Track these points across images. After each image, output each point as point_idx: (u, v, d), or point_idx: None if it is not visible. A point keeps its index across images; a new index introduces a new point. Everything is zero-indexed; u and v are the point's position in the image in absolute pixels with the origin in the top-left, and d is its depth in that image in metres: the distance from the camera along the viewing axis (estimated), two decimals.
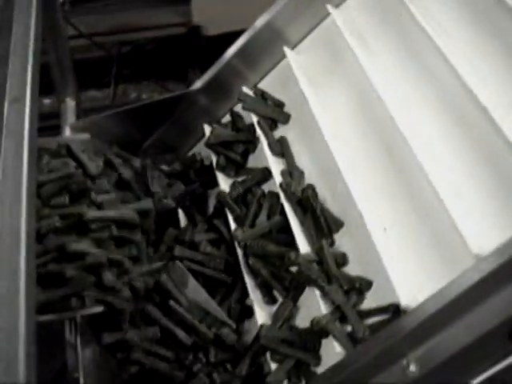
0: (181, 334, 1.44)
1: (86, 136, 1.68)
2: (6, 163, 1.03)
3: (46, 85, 1.92)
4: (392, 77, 1.45)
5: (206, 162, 1.77)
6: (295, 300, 1.36)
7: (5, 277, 0.87)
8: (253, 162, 1.67)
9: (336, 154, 1.41)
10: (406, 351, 1.10)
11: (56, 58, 1.83)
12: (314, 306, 1.29)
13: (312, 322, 1.25)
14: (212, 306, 1.47)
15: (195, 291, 1.49)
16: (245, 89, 1.72)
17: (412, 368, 1.10)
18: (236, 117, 1.73)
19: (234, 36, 1.77)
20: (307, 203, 1.42)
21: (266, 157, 1.57)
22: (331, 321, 1.23)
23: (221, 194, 1.60)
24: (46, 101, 2.74)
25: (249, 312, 1.48)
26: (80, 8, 2.74)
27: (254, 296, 1.43)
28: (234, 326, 1.46)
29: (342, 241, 1.37)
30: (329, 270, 1.30)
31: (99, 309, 1.34)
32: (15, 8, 1.31)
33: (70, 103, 1.89)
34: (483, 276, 1.04)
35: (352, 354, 1.19)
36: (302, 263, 1.31)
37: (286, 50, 1.69)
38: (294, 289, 1.37)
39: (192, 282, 1.49)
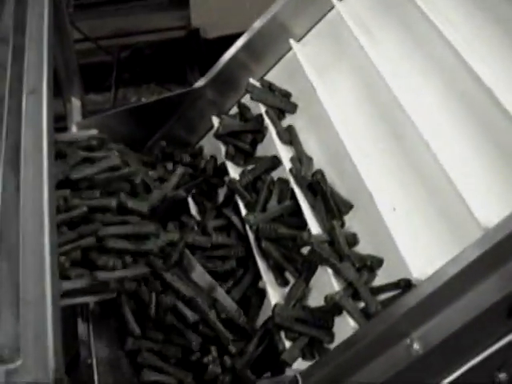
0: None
1: (93, 132, 1.70)
2: (27, 151, 1.06)
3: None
4: (397, 64, 1.47)
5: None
6: (307, 281, 1.38)
7: (31, 253, 0.91)
8: (261, 151, 1.70)
9: (344, 139, 1.43)
10: (409, 330, 1.13)
11: (62, 60, 1.86)
12: (325, 286, 1.31)
13: (325, 298, 1.28)
14: (219, 292, 1.49)
15: (202, 278, 1.51)
16: (252, 80, 1.75)
17: (416, 346, 1.13)
18: (243, 108, 1.77)
19: (232, 39, 1.80)
20: (317, 186, 1.44)
21: (274, 145, 1.60)
22: (344, 297, 1.26)
23: (231, 181, 1.62)
24: None
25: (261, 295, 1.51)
26: (81, 12, 2.77)
27: (267, 278, 1.45)
28: (241, 311, 1.48)
29: (352, 222, 1.40)
30: (340, 249, 1.33)
31: (112, 295, 1.35)
32: (28, 8, 1.35)
33: (76, 103, 1.91)
34: (489, 247, 1.07)
35: (357, 334, 1.20)
36: (314, 242, 1.34)
37: (292, 42, 1.72)
38: (306, 270, 1.39)
39: (199, 269, 1.51)
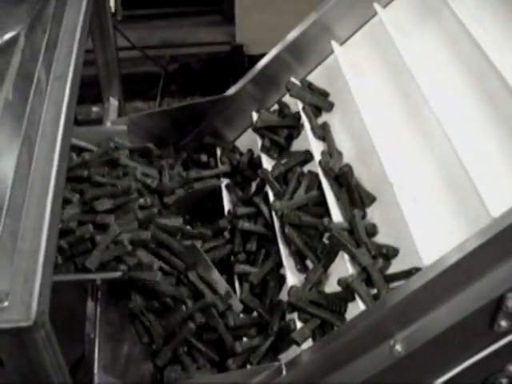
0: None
1: (123, 127, 1.78)
2: (45, 127, 1.13)
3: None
4: (432, 69, 1.48)
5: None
6: (326, 267, 1.40)
7: (33, 213, 0.98)
8: (296, 146, 1.72)
9: (373, 137, 1.46)
10: (393, 331, 1.17)
11: (103, 61, 1.94)
12: (342, 273, 1.32)
13: (339, 281, 1.29)
14: (222, 284, 1.53)
15: (206, 269, 1.54)
16: (292, 79, 1.78)
17: (398, 348, 1.16)
18: (283, 105, 1.80)
19: None
20: (343, 178, 1.47)
21: (308, 140, 1.62)
22: (357, 280, 1.27)
23: (263, 171, 1.66)
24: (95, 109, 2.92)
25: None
26: (131, 22, 2.90)
27: (287, 264, 1.47)
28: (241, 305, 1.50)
29: (374, 214, 1.41)
30: (359, 236, 1.35)
31: (118, 274, 1.39)
32: (68, 2, 1.44)
33: (114, 102, 2.01)
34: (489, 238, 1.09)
35: (341, 331, 1.23)
36: (334, 228, 1.36)
37: (334, 44, 1.75)
38: (326, 257, 1.41)
39: (203, 261, 1.55)
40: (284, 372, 1.24)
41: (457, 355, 1.21)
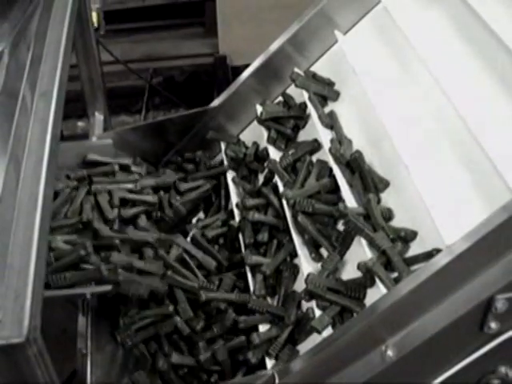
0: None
1: (109, 142, 1.80)
2: (32, 144, 1.14)
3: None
4: (442, 51, 1.48)
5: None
6: (341, 255, 1.38)
7: (23, 230, 0.99)
8: (303, 137, 1.70)
9: (385, 122, 1.45)
10: (384, 337, 1.17)
11: (88, 76, 1.95)
12: (359, 260, 1.30)
13: (358, 265, 1.27)
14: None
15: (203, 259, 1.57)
16: (296, 69, 1.76)
17: (389, 353, 1.16)
18: (287, 97, 1.78)
19: None
20: (355, 164, 1.45)
21: (315, 130, 1.61)
22: (377, 264, 1.25)
23: (271, 161, 1.64)
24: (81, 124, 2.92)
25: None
26: (114, 36, 2.91)
27: (302, 253, 1.45)
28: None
29: (388, 199, 1.40)
30: (375, 221, 1.33)
31: (108, 287, 1.39)
32: (51, 19, 1.46)
33: (99, 117, 2.01)
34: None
35: (332, 337, 1.22)
36: (350, 213, 1.34)
37: (338, 33, 1.75)
38: (341, 244, 1.38)
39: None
40: (277, 381, 1.23)
41: (448, 358, 1.21)
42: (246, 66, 1.93)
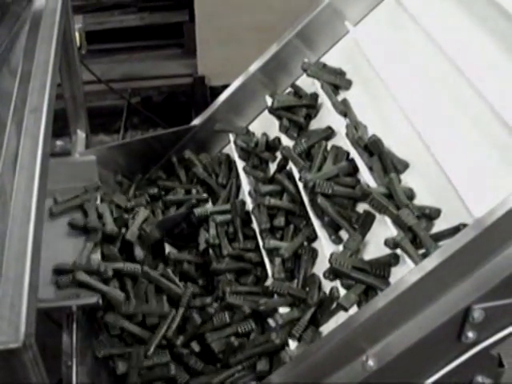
0: None
1: (92, 158, 1.81)
2: (23, 160, 1.15)
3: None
4: (455, 36, 1.49)
5: None
6: (363, 236, 1.37)
7: (16, 241, 1.00)
8: (315, 126, 1.70)
9: (402, 104, 1.46)
10: (365, 347, 1.19)
11: (71, 94, 1.97)
12: (380, 240, 1.30)
13: (385, 241, 1.27)
14: None
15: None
16: (307, 60, 1.78)
17: (370, 363, 1.18)
18: (297, 87, 1.79)
19: None
20: (374, 146, 1.45)
21: (328, 118, 1.62)
22: (405, 239, 1.25)
23: (286, 148, 1.63)
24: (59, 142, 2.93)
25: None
26: (94, 56, 2.94)
27: (322, 235, 1.45)
28: None
29: (408, 180, 1.39)
30: (398, 199, 1.32)
31: (93, 299, 1.41)
32: (39, 37, 1.49)
33: (81, 134, 2.03)
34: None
35: (314, 347, 1.23)
36: (374, 191, 1.33)
37: (348, 24, 1.76)
38: (361, 226, 1.38)
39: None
40: None
41: (427, 368, 1.24)
42: (225, 86, 1.97)
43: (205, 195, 1.80)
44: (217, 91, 2.69)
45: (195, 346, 1.48)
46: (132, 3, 3.10)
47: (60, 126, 2.05)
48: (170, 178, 1.93)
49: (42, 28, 1.53)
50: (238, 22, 2.84)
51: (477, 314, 1.15)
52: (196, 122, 1.97)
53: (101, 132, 3.09)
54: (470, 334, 1.18)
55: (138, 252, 1.62)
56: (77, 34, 2.05)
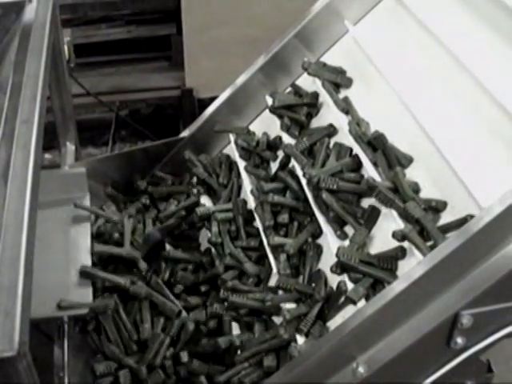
0: None
1: (82, 170, 1.82)
2: (15, 170, 1.17)
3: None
4: (456, 30, 1.50)
5: None
6: (369, 230, 1.37)
7: (9, 249, 1.02)
8: (316, 124, 1.70)
9: (405, 100, 1.45)
10: (355, 354, 1.20)
11: (60, 107, 1.99)
12: (386, 235, 1.31)
13: (393, 234, 1.27)
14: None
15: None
16: (307, 59, 1.77)
17: (360, 369, 1.19)
18: (297, 87, 1.79)
19: None
20: (378, 142, 1.45)
21: (329, 116, 1.63)
22: (413, 231, 1.24)
23: (288, 146, 1.63)
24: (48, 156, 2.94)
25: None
26: (83, 69, 2.95)
27: (327, 230, 1.44)
28: None
29: (413, 174, 1.39)
30: (404, 193, 1.32)
31: (84, 310, 1.43)
32: (29, 50, 1.49)
33: (71, 147, 2.04)
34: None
35: (305, 355, 1.24)
36: (379, 185, 1.34)
37: (348, 24, 1.77)
38: (367, 220, 1.38)
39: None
40: None
41: (417, 374, 1.24)
42: (212, 98, 1.98)
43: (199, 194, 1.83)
44: (205, 103, 2.70)
45: (183, 356, 1.49)
46: (119, 16, 3.11)
47: (48, 139, 2.06)
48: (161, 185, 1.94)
49: (31, 41, 1.54)
50: (225, 34, 2.86)
51: (465, 319, 1.16)
52: (184, 133, 1.98)
53: (89, 145, 3.10)
54: (459, 340, 1.19)
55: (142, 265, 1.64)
56: (65, 48, 2.04)
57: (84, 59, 3.01)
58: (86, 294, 1.49)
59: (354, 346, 1.20)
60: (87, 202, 1.75)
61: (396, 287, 1.16)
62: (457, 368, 1.23)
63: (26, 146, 1.23)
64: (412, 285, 1.14)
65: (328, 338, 1.24)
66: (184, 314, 1.54)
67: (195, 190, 1.85)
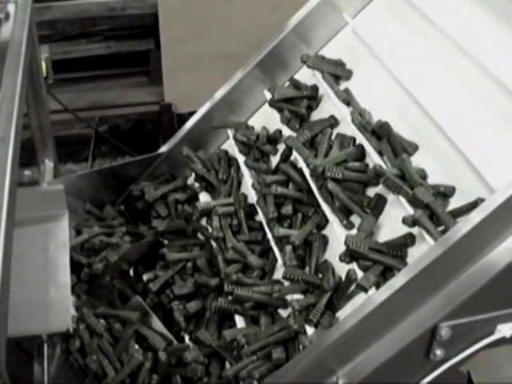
0: None
1: (60, 187, 1.81)
2: None
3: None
4: (458, 17, 1.51)
5: None
6: (376, 217, 1.37)
7: None
8: (316, 117, 1.70)
9: (409, 88, 1.47)
10: (335, 368, 1.20)
11: (38, 124, 1.99)
12: (394, 223, 1.32)
13: (403, 219, 1.26)
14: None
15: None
16: (305, 52, 1.78)
17: (341, 382, 1.19)
18: (295, 81, 1.79)
19: None
20: (383, 130, 1.45)
21: (329, 108, 1.63)
22: (424, 215, 1.24)
23: (290, 138, 1.62)
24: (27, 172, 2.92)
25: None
26: (61, 85, 2.94)
27: (333, 220, 1.44)
28: None
29: (419, 161, 1.39)
30: (412, 179, 1.32)
31: (63, 328, 1.43)
32: (5, 67, 1.49)
33: (49, 164, 2.04)
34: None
35: (285, 370, 1.23)
36: (387, 172, 1.34)
37: (346, 16, 1.77)
38: (374, 208, 1.38)
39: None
40: None
41: None
42: (191, 113, 1.98)
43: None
44: (184, 118, 2.70)
45: None
46: (98, 32, 3.11)
47: (28, 155, 2.06)
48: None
49: (8, 58, 1.54)
50: (204, 49, 2.86)
51: (444, 331, 1.17)
52: (163, 149, 1.99)
53: (69, 161, 3.09)
54: (438, 352, 1.20)
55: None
56: (43, 64, 2.04)
57: (63, 75, 3.00)
58: (65, 312, 1.48)
59: (334, 359, 1.20)
60: (66, 219, 1.73)
61: (376, 299, 1.16)
62: (437, 379, 1.23)
63: (1, 165, 1.22)
64: (391, 297, 1.15)
65: (308, 351, 1.24)
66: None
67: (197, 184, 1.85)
